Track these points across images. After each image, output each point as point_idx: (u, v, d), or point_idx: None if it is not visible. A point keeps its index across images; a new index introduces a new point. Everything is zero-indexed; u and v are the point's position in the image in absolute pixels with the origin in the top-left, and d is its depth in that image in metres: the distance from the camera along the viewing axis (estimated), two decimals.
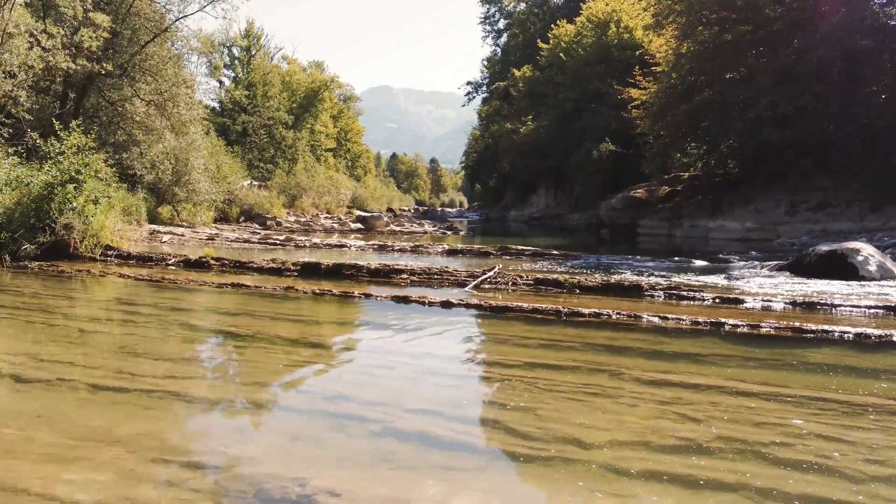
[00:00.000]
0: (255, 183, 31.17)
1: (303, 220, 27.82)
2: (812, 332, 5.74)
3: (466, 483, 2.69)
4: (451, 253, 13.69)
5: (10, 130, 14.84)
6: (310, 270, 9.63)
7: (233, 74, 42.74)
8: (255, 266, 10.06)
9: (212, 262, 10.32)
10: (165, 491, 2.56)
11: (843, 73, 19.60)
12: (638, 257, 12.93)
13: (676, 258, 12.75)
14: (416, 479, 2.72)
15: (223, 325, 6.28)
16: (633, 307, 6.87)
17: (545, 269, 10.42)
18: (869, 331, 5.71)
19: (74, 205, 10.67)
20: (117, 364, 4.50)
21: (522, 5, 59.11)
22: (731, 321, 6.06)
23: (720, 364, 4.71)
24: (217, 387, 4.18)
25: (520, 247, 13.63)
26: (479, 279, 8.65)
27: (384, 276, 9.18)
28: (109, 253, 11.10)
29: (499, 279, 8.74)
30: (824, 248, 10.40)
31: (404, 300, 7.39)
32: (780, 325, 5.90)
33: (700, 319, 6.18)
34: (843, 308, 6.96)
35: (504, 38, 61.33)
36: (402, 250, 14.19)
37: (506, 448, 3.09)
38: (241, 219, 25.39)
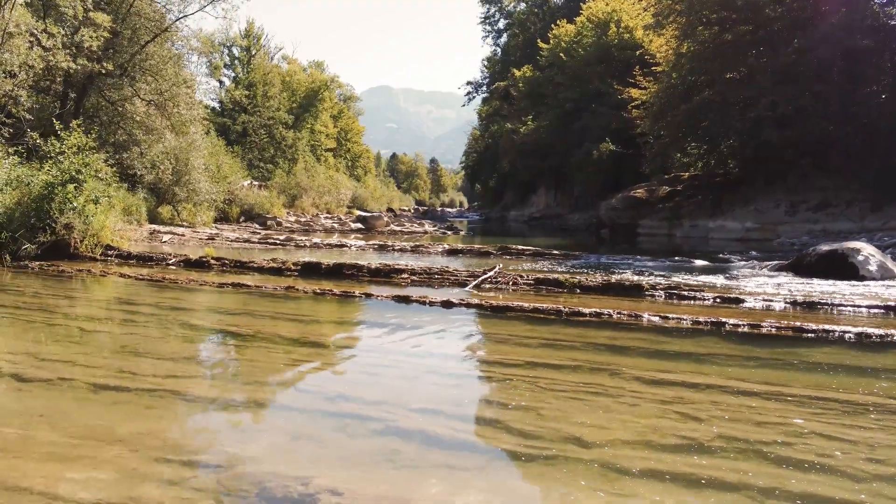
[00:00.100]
0: (256, 183, 31.16)
1: (303, 220, 27.82)
2: (813, 331, 5.74)
3: (468, 482, 2.70)
4: (452, 253, 13.69)
5: (11, 130, 14.85)
6: (310, 270, 9.63)
7: (233, 74, 42.73)
8: (255, 266, 10.07)
9: (212, 261, 10.32)
10: (167, 490, 2.56)
11: (843, 73, 19.60)
12: (638, 257, 12.94)
13: (677, 258, 12.75)
14: (418, 477, 2.73)
15: (224, 324, 6.28)
16: (633, 307, 6.87)
17: (546, 269, 10.42)
18: (870, 330, 5.71)
19: (75, 204, 10.67)
20: (118, 363, 4.50)
21: (522, 5, 59.11)
22: (731, 321, 6.06)
23: (721, 363, 4.71)
24: (218, 386, 4.18)
25: (520, 247, 13.63)
26: (480, 279, 8.66)
27: (385, 275, 9.19)
28: (110, 253, 11.10)
29: (499, 279, 8.75)
30: (825, 247, 10.40)
31: (405, 300, 7.39)
32: (780, 325, 5.90)
33: (701, 319, 6.18)
34: (843, 308, 6.96)
35: (504, 38, 61.32)
36: (402, 250, 14.19)
37: (507, 447, 3.10)
38: (242, 219, 25.38)
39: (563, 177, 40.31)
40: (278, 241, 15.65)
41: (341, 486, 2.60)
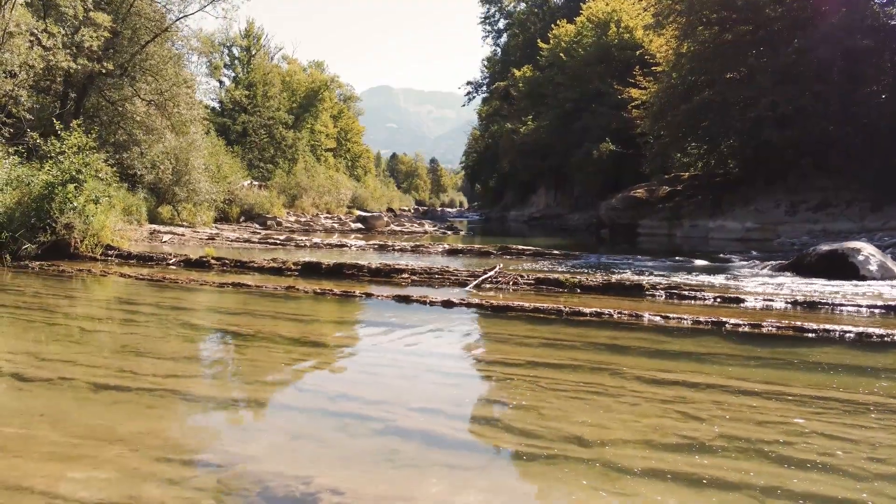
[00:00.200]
0: (256, 183, 31.17)
1: (303, 220, 27.81)
2: (813, 331, 5.74)
3: (469, 481, 2.69)
4: (452, 253, 13.69)
5: (11, 130, 14.84)
6: (311, 270, 9.62)
7: (233, 74, 42.73)
8: (255, 266, 10.06)
9: (212, 261, 10.32)
10: (169, 489, 2.56)
11: (843, 73, 19.60)
12: (638, 257, 12.94)
13: (677, 258, 12.75)
14: (419, 477, 2.72)
15: (224, 324, 6.28)
16: (634, 307, 6.87)
17: (546, 269, 10.42)
18: (870, 330, 5.71)
19: (75, 204, 10.67)
20: (119, 363, 4.50)
21: (522, 5, 59.10)
22: (732, 320, 6.06)
23: (722, 363, 4.71)
24: (219, 385, 4.18)
25: (520, 246, 13.63)
26: (480, 279, 8.65)
27: (385, 275, 9.18)
28: (110, 252, 11.10)
29: (500, 279, 8.74)
30: (825, 247, 10.40)
31: (405, 300, 7.39)
32: (781, 325, 5.90)
33: (701, 319, 6.18)
34: (844, 307, 6.96)
35: (504, 38, 61.31)
36: (402, 250, 14.19)
37: (508, 446, 3.09)
38: (242, 219, 25.38)
39: (563, 177, 40.31)
40: (278, 241, 15.65)
41: (342, 485, 2.60)
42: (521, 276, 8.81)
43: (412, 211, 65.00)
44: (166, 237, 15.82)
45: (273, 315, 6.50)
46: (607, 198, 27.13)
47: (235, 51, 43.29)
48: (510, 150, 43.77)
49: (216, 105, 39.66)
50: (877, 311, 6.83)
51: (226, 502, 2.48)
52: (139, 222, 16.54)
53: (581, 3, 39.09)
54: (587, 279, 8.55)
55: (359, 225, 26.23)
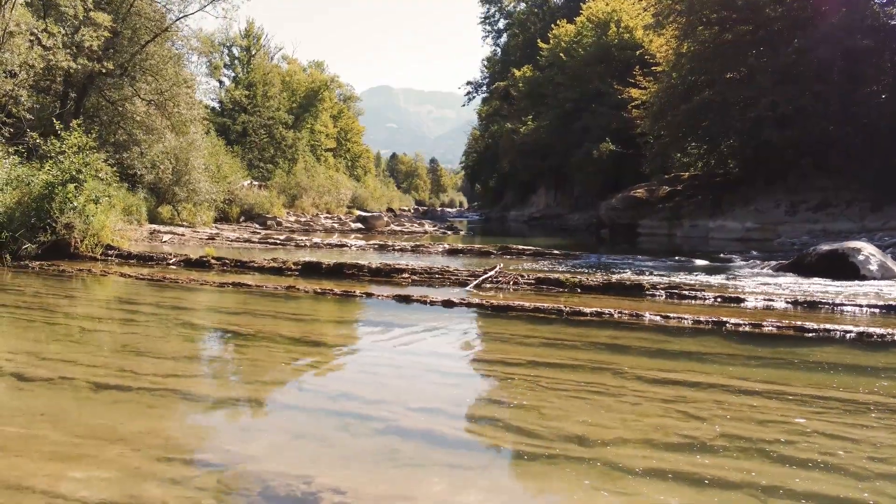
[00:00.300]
0: (256, 183, 31.16)
1: (303, 219, 27.81)
2: (814, 331, 5.74)
3: (470, 481, 2.69)
4: (452, 252, 13.69)
5: (11, 130, 14.83)
6: (311, 270, 9.62)
7: (233, 74, 42.72)
8: (255, 265, 10.06)
9: (212, 261, 10.32)
10: (170, 489, 2.56)
11: (843, 73, 19.60)
12: (639, 257, 12.94)
13: (677, 258, 12.75)
14: (420, 476, 2.72)
15: (225, 323, 6.28)
16: (634, 306, 6.87)
17: (546, 269, 10.42)
18: (871, 329, 5.71)
19: (75, 204, 10.66)
20: (119, 362, 4.50)
21: (522, 5, 59.09)
22: (732, 320, 6.06)
23: (723, 363, 4.71)
24: (220, 385, 4.18)
25: (520, 246, 13.63)
26: (481, 278, 8.65)
27: (385, 275, 9.18)
28: (110, 252, 11.09)
29: (500, 278, 8.74)
30: (825, 247, 10.40)
31: (406, 299, 7.39)
32: (782, 324, 5.90)
33: (702, 318, 6.18)
34: (844, 307, 6.96)
35: (504, 38, 61.29)
36: (402, 250, 14.18)
37: (509, 446, 3.09)
38: (242, 219, 25.37)
39: (563, 177, 40.30)
40: (278, 241, 15.64)
41: (343, 484, 2.60)
42: (522, 276, 8.81)
43: (412, 211, 65.00)
44: (166, 237, 15.82)
45: (273, 315, 6.50)
46: (607, 198, 27.13)
47: (235, 51, 43.30)
48: (510, 150, 43.76)
49: (216, 105, 39.66)
50: (877, 310, 6.83)
51: (227, 502, 2.48)
52: (139, 222, 16.54)
53: (581, 3, 39.08)
54: (587, 279, 8.55)
55: (359, 225, 26.23)
